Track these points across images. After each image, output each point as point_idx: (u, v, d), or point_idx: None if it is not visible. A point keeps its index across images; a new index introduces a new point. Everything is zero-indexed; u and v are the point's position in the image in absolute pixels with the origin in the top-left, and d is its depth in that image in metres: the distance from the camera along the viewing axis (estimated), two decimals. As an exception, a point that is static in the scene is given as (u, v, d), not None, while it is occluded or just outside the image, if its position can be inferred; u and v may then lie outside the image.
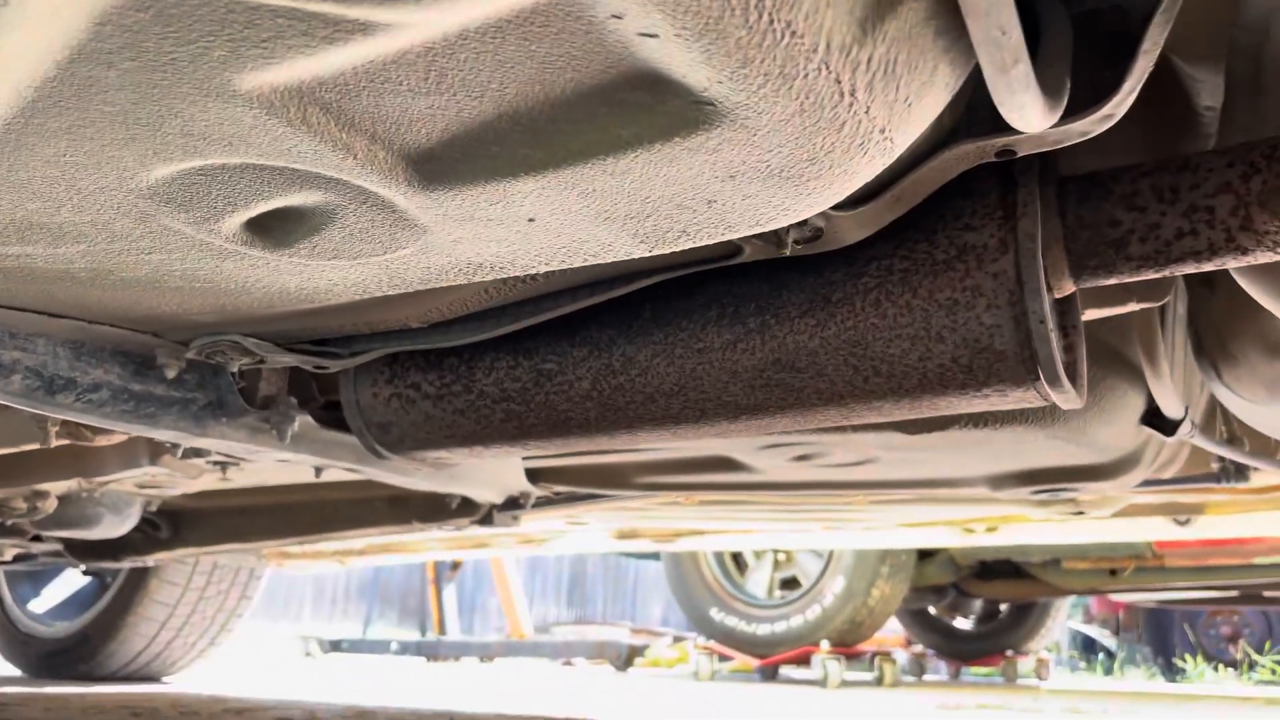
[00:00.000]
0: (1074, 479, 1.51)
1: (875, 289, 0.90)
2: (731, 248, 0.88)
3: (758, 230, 0.71)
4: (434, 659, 7.10)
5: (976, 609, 6.71)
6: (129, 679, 3.37)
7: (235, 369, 1.16)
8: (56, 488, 2.15)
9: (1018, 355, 0.86)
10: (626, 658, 6.17)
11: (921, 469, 1.57)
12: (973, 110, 0.82)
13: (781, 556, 5.23)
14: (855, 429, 1.34)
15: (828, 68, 0.52)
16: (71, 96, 0.57)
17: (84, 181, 0.69)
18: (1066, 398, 0.92)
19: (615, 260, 0.78)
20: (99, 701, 2.40)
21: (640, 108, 0.57)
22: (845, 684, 4.83)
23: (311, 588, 14.98)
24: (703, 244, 0.75)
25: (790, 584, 5.28)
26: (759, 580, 5.30)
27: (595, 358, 1.05)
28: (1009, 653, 6.47)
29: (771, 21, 0.48)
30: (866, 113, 0.57)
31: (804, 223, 0.81)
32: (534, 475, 1.97)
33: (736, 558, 5.35)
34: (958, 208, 0.87)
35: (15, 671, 3.49)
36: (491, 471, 1.89)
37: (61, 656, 3.35)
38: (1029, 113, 0.61)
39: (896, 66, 0.55)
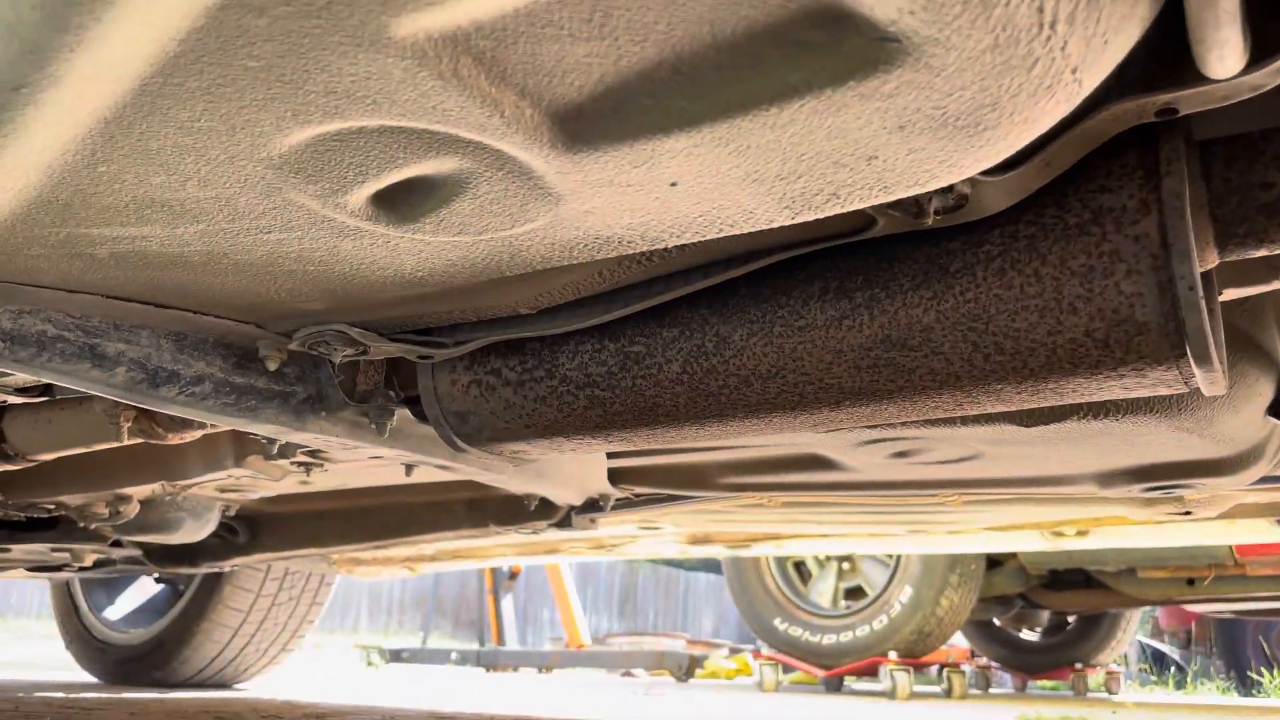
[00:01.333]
0: (1192, 474, 1.43)
1: (999, 257, 0.83)
2: (864, 220, 0.84)
3: (914, 191, 0.67)
4: (493, 669, 7.09)
5: (1044, 620, 6.55)
6: (202, 685, 3.39)
7: (338, 360, 1.14)
8: (139, 492, 2.16)
9: (1162, 327, 0.79)
10: (687, 668, 6.11)
11: (1028, 465, 1.51)
12: (1124, 68, 0.77)
13: (846, 565, 5.14)
14: (966, 421, 1.28)
15: (1032, -8, 0.48)
16: (217, 50, 0.55)
17: (214, 150, 0.67)
18: (1213, 378, 0.85)
19: (752, 230, 0.75)
20: (180, 706, 2.40)
21: (815, 48, 0.53)
22: (914, 695, 4.74)
23: (368, 598, 15.11)
24: (851, 209, 0.71)
25: (855, 593, 5.19)
26: (823, 589, 5.22)
27: (686, 338, 0.99)
28: (1077, 665, 6.31)
29: (976, -60, 0.45)
30: (1063, 49, 0.53)
31: (949, 189, 0.77)
32: (614, 476, 1.93)
33: (799, 566, 5.28)
34: (1090, 168, 0.81)
35: (92, 679, 3.52)
36: (573, 471, 1.86)
37: (136, 663, 3.38)
38: (1228, 52, 0.57)
39: (1102, -5, 0.50)
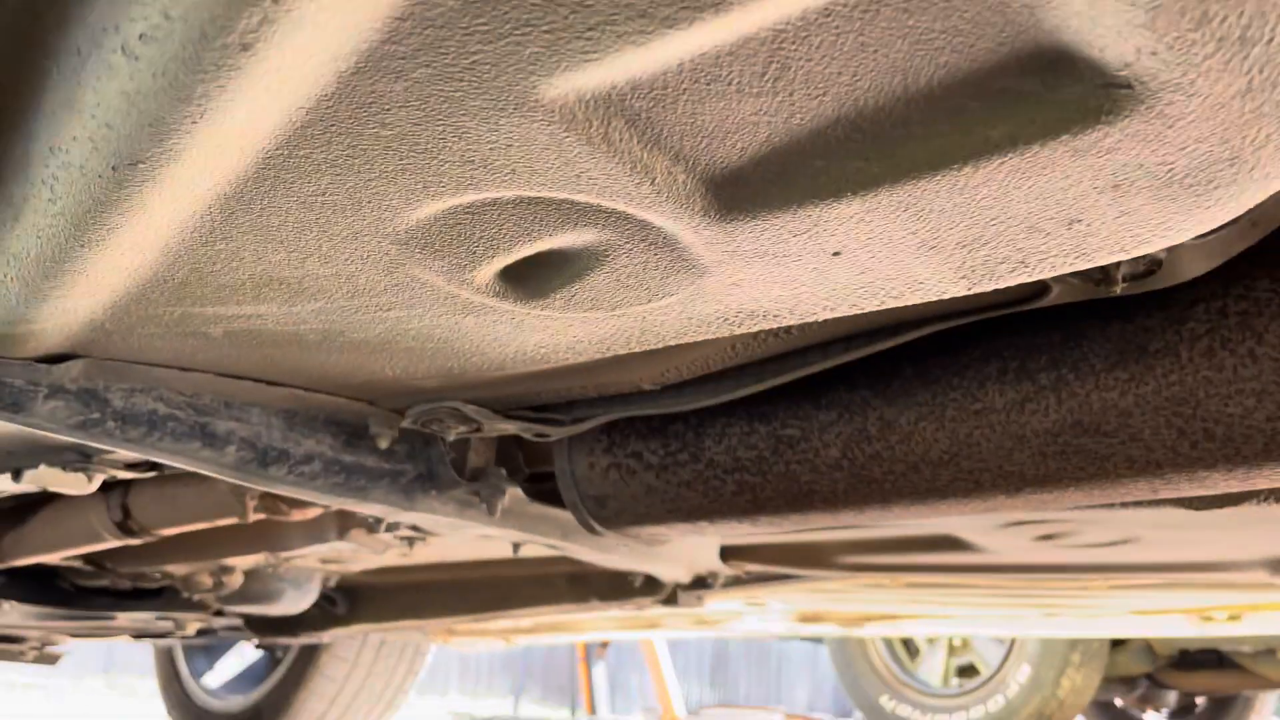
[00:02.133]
0: (1381, 563, 1.29)
1: (1205, 335, 0.76)
2: (1034, 288, 0.75)
3: (1121, 257, 0.59)
4: (586, 741, 6.94)
5: (1171, 702, 6.14)
6: (299, 756, 3.36)
7: (451, 438, 1.09)
8: (243, 563, 2.15)
9: None
10: (787, 746, 5.88)
11: (1191, 550, 1.38)
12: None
13: (957, 642, 4.90)
14: (1128, 503, 1.17)
15: (1306, 25, 0.40)
16: (347, 119, 0.50)
17: (337, 226, 0.62)
18: None
19: (921, 301, 0.67)
20: (278, 783, 2.36)
21: (1025, 97, 0.46)
22: (1033, 783, 4.44)
23: (458, 662, 15.09)
24: (1037, 278, 0.62)
25: (967, 671, 4.93)
26: (932, 667, 4.97)
27: (846, 422, 0.93)
28: (1209, 751, 5.89)
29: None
30: (1329, 90, 0.44)
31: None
32: (725, 553, 1.85)
33: (907, 642, 5.05)
34: None
35: (191, 745, 3.52)
36: (684, 549, 1.78)
37: (235, 731, 3.37)
38: None
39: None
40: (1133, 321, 0.78)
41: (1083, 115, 0.46)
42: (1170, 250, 0.68)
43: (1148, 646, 4.83)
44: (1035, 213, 0.54)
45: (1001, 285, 0.63)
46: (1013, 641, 4.51)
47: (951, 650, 4.93)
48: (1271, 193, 0.54)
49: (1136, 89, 0.44)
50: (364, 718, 3.44)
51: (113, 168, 0.54)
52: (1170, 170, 0.49)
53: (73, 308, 0.78)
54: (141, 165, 0.54)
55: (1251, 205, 0.54)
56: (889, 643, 4.96)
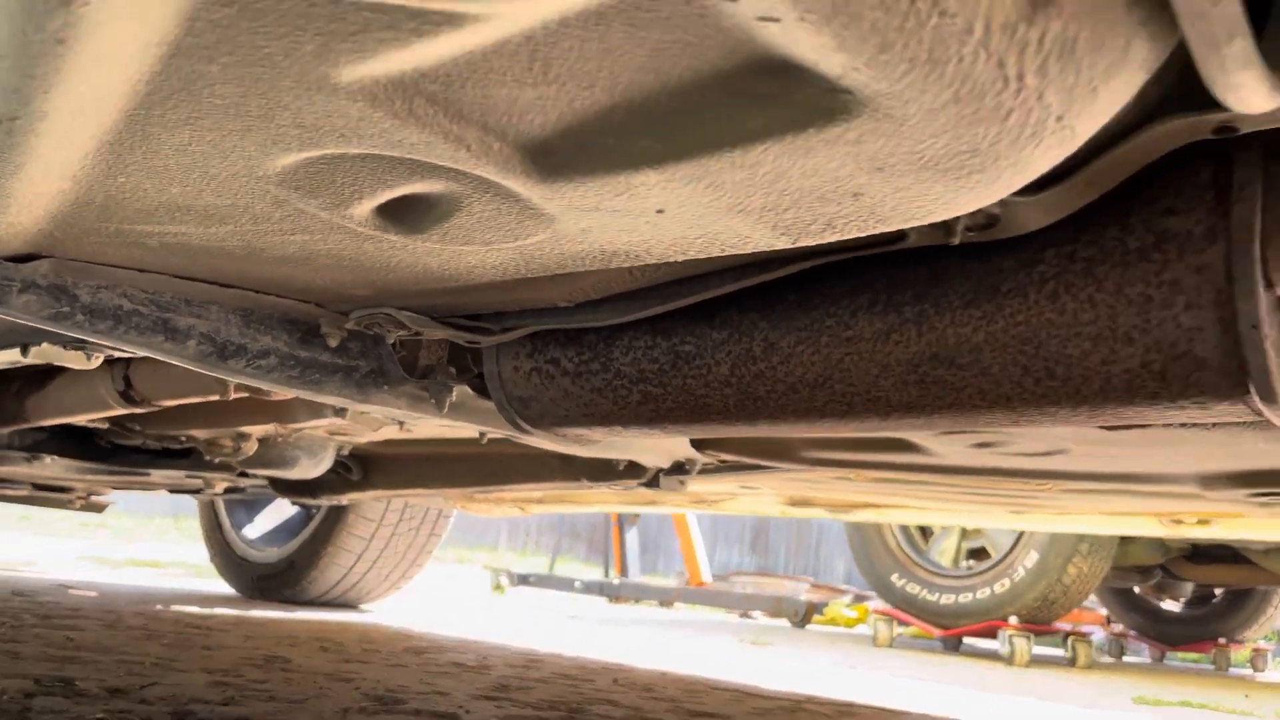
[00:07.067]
0: (1302, 484, 1.32)
1: (1053, 280, 0.78)
2: (893, 233, 0.79)
3: (916, 224, 0.63)
4: (615, 600, 7.28)
5: (1187, 591, 6.23)
6: (329, 605, 3.61)
7: (393, 340, 1.16)
8: (256, 431, 2.29)
9: (1223, 365, 0.73)
10: (804, 615, 6.12)
11: (1120, 463, 1.42)
12: (1186, 76, 0.69)
13: (970, 526, 5.01)
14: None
15: (987, 51, 0.44)
16: (181, 90, 0.56)
17: (215, 168, 0.69)
18: None
19: (757, 251, 0.72)
20: (294, 630, 2.56)
21: (767, 98, 0.50)
22: (1034, 662, 4.61)
23: (506, 521, 15.71)
24: (853, 236, 0.67)
25: (978, 554, 5.05)
26: (945, 549, 5.10)
27: (735, 342, 0.98)
28: (1221, 640, 6.00)
29: (914, 0, 0.40)
30: (1039, 99, 0.48)
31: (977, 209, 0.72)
32: (699, 443, 1.93)
33: (921, 524, 5.17)
34: (1159, 187, 0.74)
35: (232, 592, 3.80)
36: (653, 440, 1.86)
37: (271, 580, 3.62)
38: (1247, 94, 0.50)
39: (1077, 45, 0.45)
40: (990, 263, 0.81)
41: (820, 114, 0.50)
42: (1004, 206, 0.72)
43: (1159, 539, 4.89)
44: (819, 186, 0.59)
45: (819, 242, 0.68)
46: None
47: (964, 534, 5.04)
48: (1032, 177, 0.57)
49: (858, 95, 0.48)
50: (388, 573, 3.66)
51: (-3, 121, 0.61)
52: (921, 158, 0.53)
53: (15, 221, 0.86)
54: (18, 120, 0.60)
55: (1017, 187, 0.58)
56: (904, 525, 5.08)
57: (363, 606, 3.75)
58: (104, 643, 1.90)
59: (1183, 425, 1.15)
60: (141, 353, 1.14)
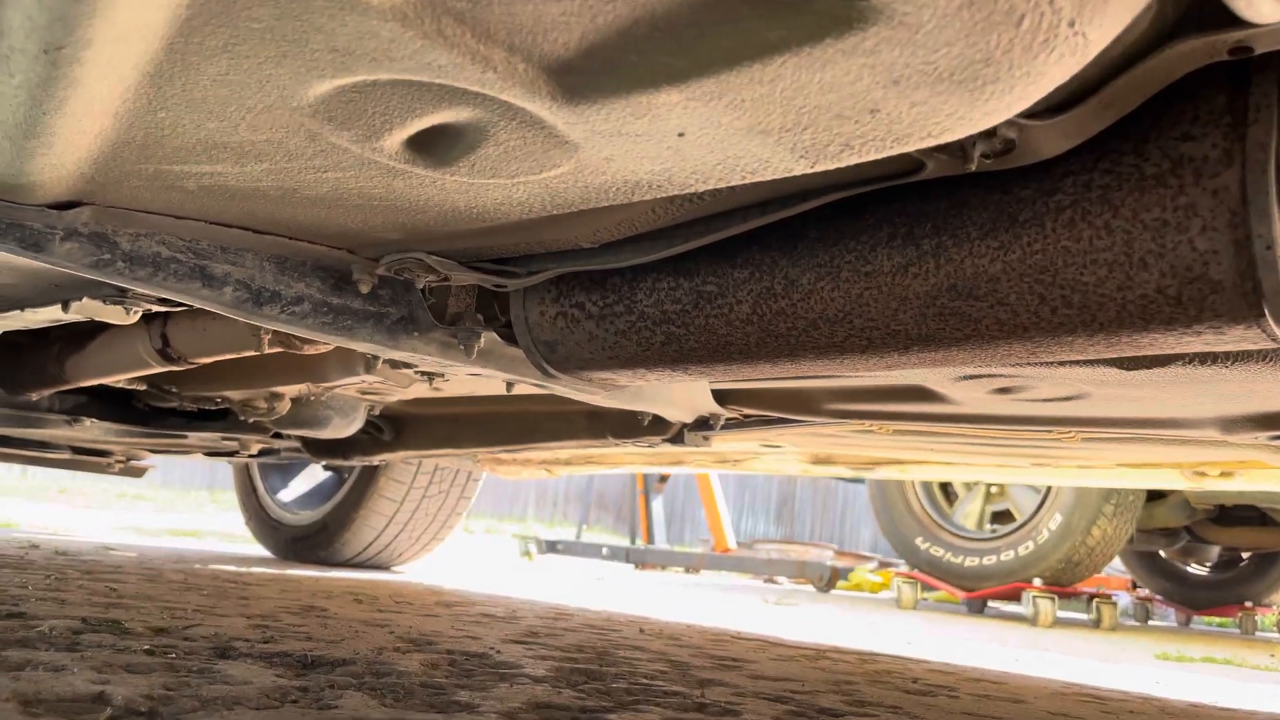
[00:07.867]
0: (1324, 425, 1.33)
1: (1070, 208, 0.79)
2: (912, 163, 0.81)
3: (932, 142, 0.64)
4: (641, 566, 7.34)
5: (1213, 555, 6.22)
6: (361, 566, 3.67)
7: (422, 285, 1.19)
8: (289, 390, 2.33)
9: (1237, 287, 0.74)
10: (829, 580, 6.15)
11: (1140, 408, 1.43)
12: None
13: (994, 488, 5.01)
14: (1061, 361, 1.23)
15: (996, -50, 0.45)
16: (220, 13, 0.59)
17: (251, 99, 0.71)
18: None
19: (777, 177, 0.73)
20: (328, 587, 2.62)
21: (786, 6, 0.52)
22: (1058, 624, 4.62)
23: (535, 489, 15.84)
24: (871, 158, 0.68)
25: (1003, 517, 5.06)
26: (969, 511, 5.11)
27: (756, 280, 0.99)
28: (1247, 604, 5.98)
29: (924, -102, 0.42)
30: (1050, 3, 0.49)
31: (992, 133, 0.73)
32: (722, 397, 1.95)
33: (945, 487, 5.18)
34: (1175, 113, 0.75)
35: (267, 554, 3.87)
36: (680, 392, 1.89)
37: (304, 542, 3.69)
38: (1259, 3, 0.51)
39: (1086, -54, 0.46)
40: (1009, 193, 0.82)
41: (837, 22, 0.52)
42: (1021, 130, 0.73)
43: (1184, 500, 4.89)
44: (836, 103, 0.60)
45: (838, 164, 0.70)
46: (1048, 490, 4.60)
47: (989, 497, 5.05)
48: (1048, 89, 0.59)
49: (873, 1, 0.50)
50: (419, 536, 3.72)
51: (44, 50, 0.64)
52: (936, 69, 0.55)
53: (59, 163, 0.89)
54: (64, 50, 0.63)
55: (1033, 99, 0.59)
56: (928, 487, 5.10)
57: (394, 568, 3.81)
58: (146, 592, 1.96)
59: (1201, 362, 1.16)
60: (180, 299, 1.17)
